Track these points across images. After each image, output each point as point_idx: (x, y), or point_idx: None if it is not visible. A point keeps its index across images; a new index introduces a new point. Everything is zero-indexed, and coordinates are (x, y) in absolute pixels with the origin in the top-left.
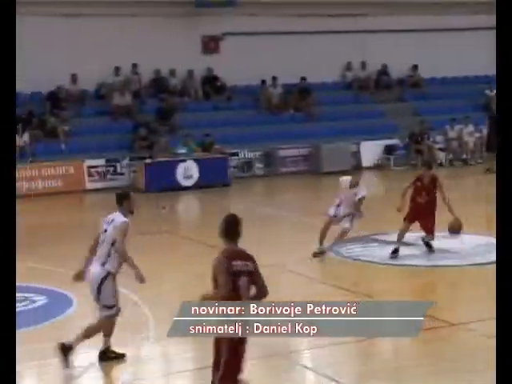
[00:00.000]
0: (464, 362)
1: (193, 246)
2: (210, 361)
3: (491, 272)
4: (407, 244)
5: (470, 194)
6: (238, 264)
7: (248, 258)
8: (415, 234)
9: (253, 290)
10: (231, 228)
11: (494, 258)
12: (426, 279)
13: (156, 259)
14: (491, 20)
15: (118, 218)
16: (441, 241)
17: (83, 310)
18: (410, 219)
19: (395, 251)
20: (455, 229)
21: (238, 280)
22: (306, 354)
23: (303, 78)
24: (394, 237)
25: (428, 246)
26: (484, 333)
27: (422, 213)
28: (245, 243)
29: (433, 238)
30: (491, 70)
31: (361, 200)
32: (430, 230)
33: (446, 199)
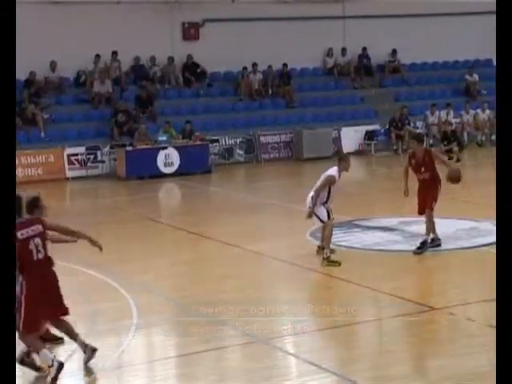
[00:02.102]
0: (446, 346)
1: (175, 233)
2: (193, 348)
3: (473, 256)
4: (389, 229)
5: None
6: (25, 231)
7: (32, 223)
8: (397, 218)
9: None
10: (28, 204)
11: (476, 242)
12: (409, 264)
13: (138, 247)
14: (470, 5)
15: None
16: (420, 225)
17: None
18: (419, 201)
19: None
20: (454, 179)
21: (29, 244)
22: (288, 339)
23: (284, 65)
24: (375, 222)
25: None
26: (466, 316)
27: (426, 188)
28: (227, 230)
29: (432, 210)
30: (471, 54)
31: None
32: (429, 204)
33: (446, 163)
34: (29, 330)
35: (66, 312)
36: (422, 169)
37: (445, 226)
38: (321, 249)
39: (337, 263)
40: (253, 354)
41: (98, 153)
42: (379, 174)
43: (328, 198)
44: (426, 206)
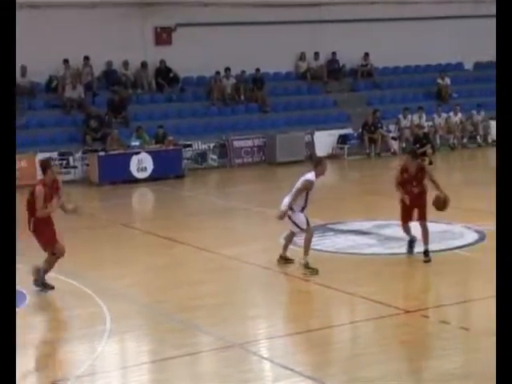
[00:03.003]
0: (420, 348)
1: (148, 238)
2: (167, 354)
3: (446, 259)
4: (363, 233)
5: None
6: None
7: None
8: (370, 222)
9: None
10: None
11: (448, 244)
12: (382, 268)
13: (111, 253)
14: (442, 10)
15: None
16: (396, 229)
17: (36, 306)
18: (405, 212)
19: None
20: (439, 207)
21: None
22: (262, 344)
23: (257, 69)
24: (349, 225)
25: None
26: (439, 319)
27: (413, 199)
28: (201, 234)
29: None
30: (442, 58)
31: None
32: (423, 216)
33: (437, 184)
34: None
35: None
36: (414, 183)
37: (417, 229)
38: (282, 258)
39: (314, 270)
40: (227, 359)
41: (71, 158)
42: (352, 177)
43: (306, 203)
44: (418, 216)
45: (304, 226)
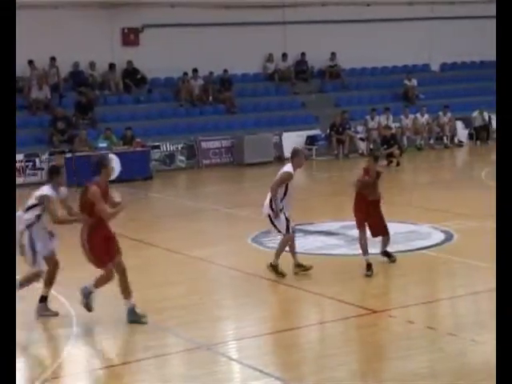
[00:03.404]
0: (388, 348)
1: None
2: (135, 356)
3: (412, 259)
4: (331, 233)
5: (391, 182)
6: None
7: None
8: (338, 223)
9: None
10: None
11: (415, 245)
12: (350, 268)
13: (78, 254)
14: (408, 11)
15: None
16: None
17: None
18: (361, 222)
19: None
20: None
21: None
22: (231, 345)
23: (225, 70)
24: (317, 226)
25: (388, 255)
26: (406, 319)
27: (372, 212)
28: (170, 236)
29: (388, 238)
30: (409, 60)
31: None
32: (385, 230)
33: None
34: None
35: None
36: (371, 188)
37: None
38: (298, 266)
39: (282, 275)
40: (196, 361)
41: (37, 160)
42: (320, 178)
43: (284, 195)
44: (381, 231)
45: (283, 231)
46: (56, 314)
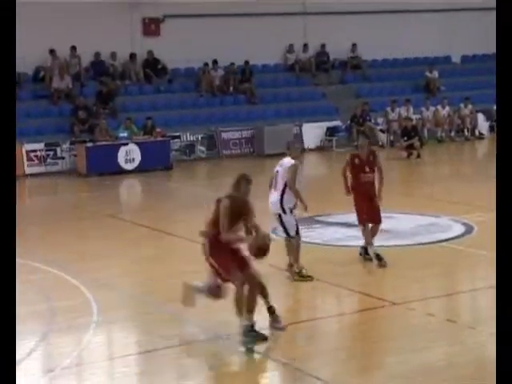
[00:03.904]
0: (406, 340)
1: (136, 229)
2: (154, 345)
3: (432, 252)
4: (349, 225)
5: (411, 174)
6: None
7: None
8: None
9: None
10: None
11: (435, 237)
12: (370, 260)
13: (99, 244)
14: (430, 3)
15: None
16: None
17: (21, 296)
18: (361, 209)
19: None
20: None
21: None
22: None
23: (246, 61)
24: (336, 218)
25: (378, 258)
26: (425, 312)
27: (371, 193)
28: (189, 226)
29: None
30: (431, 51)
31: None
32: (377, 216)
33: (382, 180)
34: None
35: None
36: (366, 168)
37: (404, 222)
38: (290, 266)
39: (309, 278)
40: (215, 351)
41: (58, 149)
42: (340, 169)
43: (284, 190)
44: (373, 217)
45: (292, 233)
46: None
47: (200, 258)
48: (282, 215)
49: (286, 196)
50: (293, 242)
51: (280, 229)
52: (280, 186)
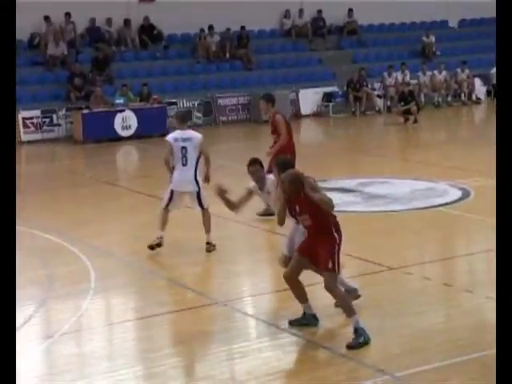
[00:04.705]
0: (405, 304)
1: (133, 196)
2: (151, 311)
3: (429, 216)
4: (348, 190)
5: (408, 139)
6: None
7: None
8: (355, 180)
9: None
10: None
11: (432, 202)
12: (367, 225)
13: (96, 211)
14: None
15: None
16: (379, 187)
17: (20, 263)
18: None
19: None
20: None
21: None
22: (246, 301)
23: (242, 27)
24: (333, 183)
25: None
26: (422, 276)
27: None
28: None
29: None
30: (427, 16)
31: None
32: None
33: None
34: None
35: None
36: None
37: (401, 187)
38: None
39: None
40: (212, 316)
41: (54, 116)
42: (337, 135)
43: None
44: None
45: (206, 205)
46: None
47: (196, 224)
48: (200, 191)
49: (197, 171)
50: (208, 214)
51: (196, 204)
52: (193, 162)
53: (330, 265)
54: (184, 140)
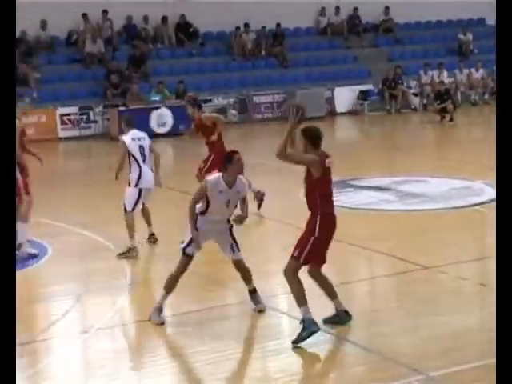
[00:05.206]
0: (439, 304)
1: (167, 193)
2: (186, 308)
3: (465, 215)
4: (383, 189)
5: (444, 137)
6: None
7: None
8: (389, 178)
9: None
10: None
11: (468, 201)
12: (402, 223)
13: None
14: None
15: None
16: (415, 185)
17: (57, 259)
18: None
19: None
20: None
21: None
22: (281, 299)
23: (277, 24)
24: (368, 181)
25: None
26: (458, 275)
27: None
28: None
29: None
30: (464, 13)
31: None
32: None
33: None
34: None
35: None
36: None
37: (437, 185)
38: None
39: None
40: (245, 314)
41: (91, 113)
42: (372, 133)
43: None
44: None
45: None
46: None
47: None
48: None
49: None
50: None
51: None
52: (149, 159)
53: (296, 253)
54: (140, 139)
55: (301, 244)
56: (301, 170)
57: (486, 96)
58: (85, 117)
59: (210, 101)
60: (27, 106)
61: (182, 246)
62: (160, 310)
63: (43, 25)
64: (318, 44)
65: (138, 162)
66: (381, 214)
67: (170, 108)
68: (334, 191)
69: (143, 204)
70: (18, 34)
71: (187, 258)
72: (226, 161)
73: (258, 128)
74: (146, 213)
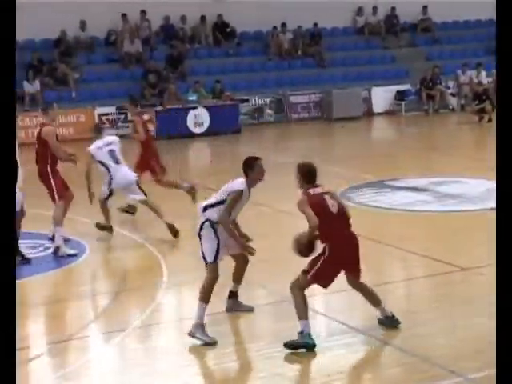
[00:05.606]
0: (476, 306)
1: (203, 193)
2: (222, 307)
3: None
4: (419, 189)
5: (483, 138)
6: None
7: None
8: (427, 179)
9: None
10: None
11: None
12: (440, 225)
13: (166, 207)
14: None
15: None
16: (453, 186)
17: (95, 257)
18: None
19: None
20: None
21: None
22: (317, 299)
23: (314, 24)
24: (405, 182)
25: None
26: (494, 277)
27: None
28: (256, 189)
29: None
30: None
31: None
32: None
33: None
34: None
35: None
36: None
37: (474, 186)
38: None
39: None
40: (281, 314)
41: (129, 113)
42: (409, 133)
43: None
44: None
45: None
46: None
47: (267, 221)
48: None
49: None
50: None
51: (137, 192)
52: (121, 158)
53: (307, 267)
54: (108, 144)
55: (312, 260)
56: (336, 171)
57: None
58: (122, 116)
59: (246, 101)
60: (55, 110)
61: (210, 261)
62: (203, 326)
63: (82, 25)
64: (355, 44)
65: (107, 167)
66: (418, 215)
67: (206, 108)
68: (371, 191)
69: (142, 199)
70: (57, 34)
71: (215, 264)
72: (247, 167)
73: (295, 128)
74: (151, 208)
